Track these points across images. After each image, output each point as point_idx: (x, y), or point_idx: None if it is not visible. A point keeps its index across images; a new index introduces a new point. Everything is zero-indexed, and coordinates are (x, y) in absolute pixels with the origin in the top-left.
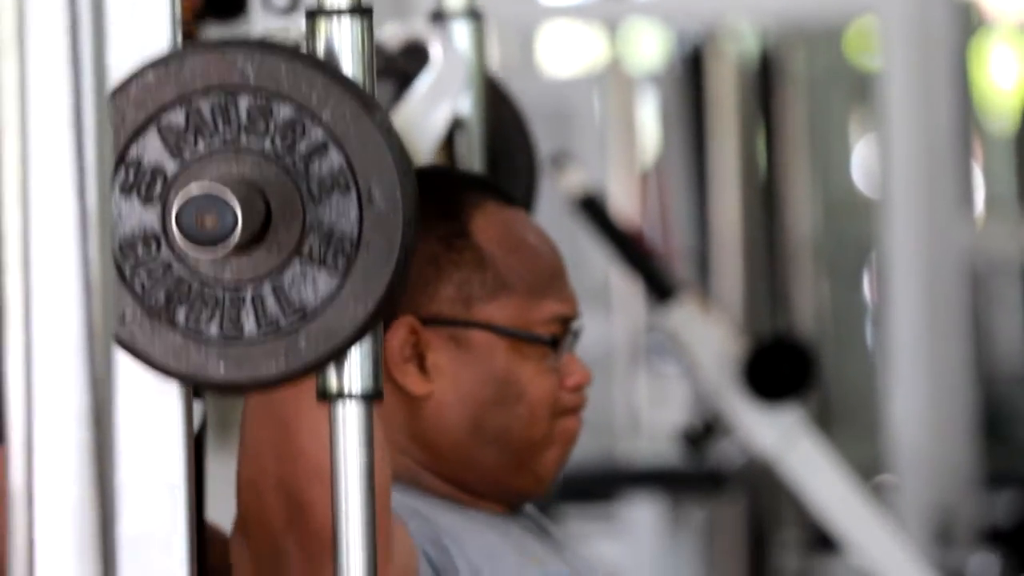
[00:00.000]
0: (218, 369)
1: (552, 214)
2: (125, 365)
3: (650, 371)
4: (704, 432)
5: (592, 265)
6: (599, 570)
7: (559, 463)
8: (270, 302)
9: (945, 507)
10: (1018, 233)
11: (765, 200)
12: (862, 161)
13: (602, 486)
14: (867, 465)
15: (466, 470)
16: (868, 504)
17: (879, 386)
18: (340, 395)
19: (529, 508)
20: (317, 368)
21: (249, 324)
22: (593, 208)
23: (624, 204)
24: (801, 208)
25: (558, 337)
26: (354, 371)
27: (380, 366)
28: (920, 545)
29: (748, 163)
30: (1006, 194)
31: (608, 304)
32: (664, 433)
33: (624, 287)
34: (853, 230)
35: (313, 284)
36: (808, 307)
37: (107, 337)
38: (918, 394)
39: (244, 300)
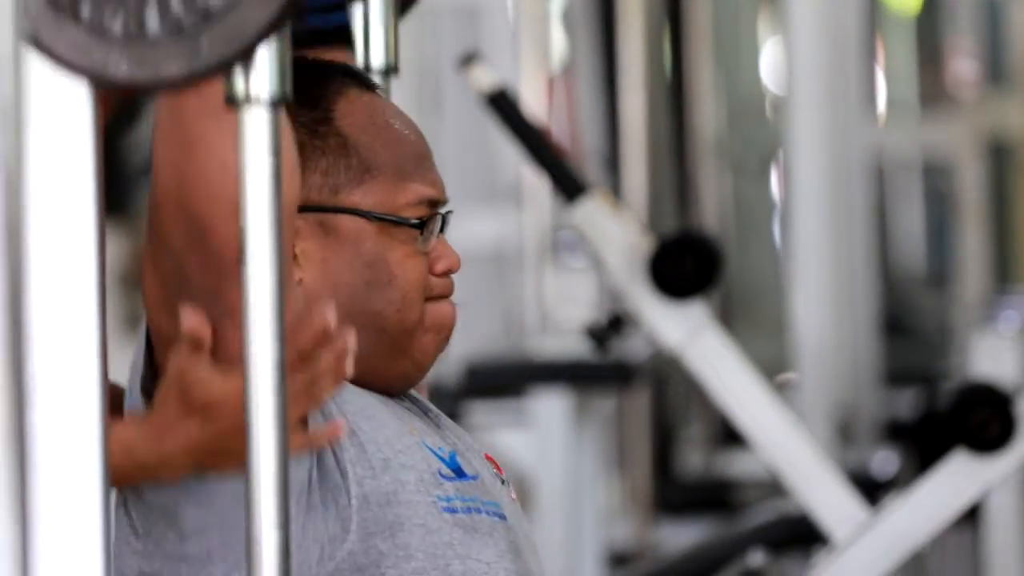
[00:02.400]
0: (120, 66)
1: (464, 110)
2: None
3: (559, 267)
4: (608, 327)
5: (504, 162)
6: (480, 448)
7: (436, 348)
8: (174, 2)
9: (847, 404)
10: (918, 133)
11: (672, 98)
12: (771, 60)
13: (511, 379)
14: (771, 361)
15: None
16: (771, 400)
17: (784, 283)
18: (247, 99)
19: (414, 394)
20: (219, 70)
21: (152, 23)
22: (503, 104)
23: (536, 103)
24: (708, 106)
25: (425, 220)
26: (261, 75)
27: (287, 71)
28: (822, 442)
29: (655, 62)
30: (907, 95)
31: (520, 201)
32: (573, 328)
33: (535, 184)
34: (761, 128)
35: None
36: (714, 204)
37: None
38: (821, 291)
39: None
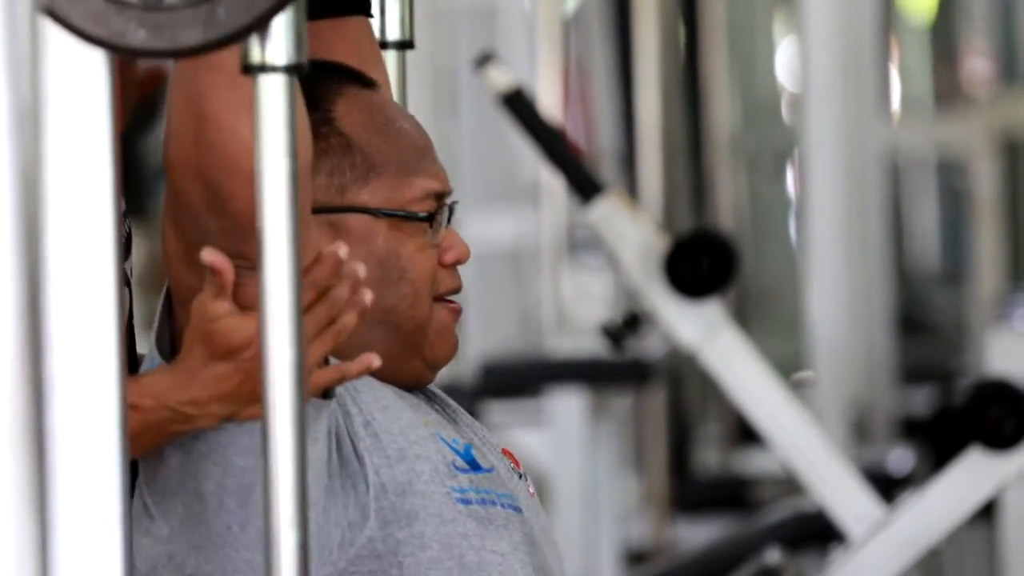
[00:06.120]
0: (138, 35)
1: (480, 110)
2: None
3: (575, 266)
4: (624, 326)
5: (521, 162)
6: (497, 443)
7: (445, 349)
8: None
9: (862, 402)
10: (932, 131)
11: (688, 97)
12: (786, 59)
13: (527, 379)
14: (787, 360)
15: (356, 356)
16: (787, 398)
17: (799, 281)
18: (263, 67)
19: (432, 388)
20: (236, 38)
21: None
22: (519, 104)
23: (551, 103)
24: (723, 105)
25: (433, 213)
26: (277, 43)
27: (304, 40)
28: (838, 440)
29: (670, 61)
30: (921, 94)
31: (536, 200)
32: (589, 327)
33: (552, 183)
34: (777, 127)
35: None
36: (730, 203)
37: None
38: (836, 289)
39: None
